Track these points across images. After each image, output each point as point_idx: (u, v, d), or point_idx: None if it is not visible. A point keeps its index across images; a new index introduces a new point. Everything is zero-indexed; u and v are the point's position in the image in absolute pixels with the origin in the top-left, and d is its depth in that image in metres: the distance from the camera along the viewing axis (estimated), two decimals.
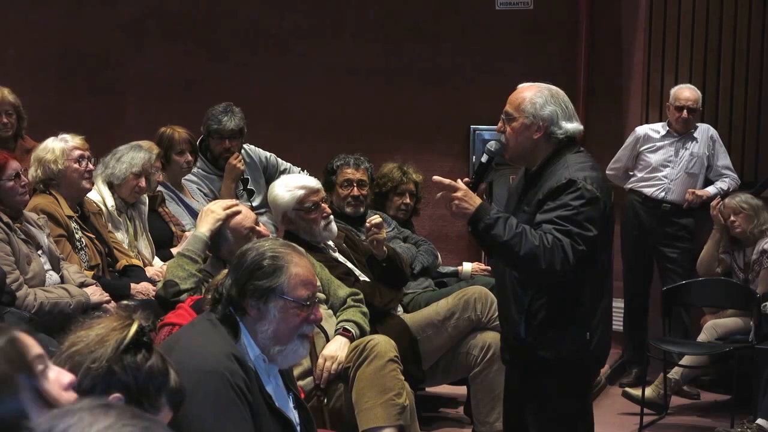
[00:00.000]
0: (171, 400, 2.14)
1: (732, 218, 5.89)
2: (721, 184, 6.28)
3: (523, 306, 3.42)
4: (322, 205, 4.52)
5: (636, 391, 5.71)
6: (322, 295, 4.06)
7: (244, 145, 5.83)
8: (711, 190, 6.26)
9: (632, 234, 6.35)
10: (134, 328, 2.14)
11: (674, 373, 5.80)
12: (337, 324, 4.12)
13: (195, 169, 5.67)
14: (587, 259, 3.25)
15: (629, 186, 6.41)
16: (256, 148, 5.95)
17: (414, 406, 4.09)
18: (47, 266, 4.28)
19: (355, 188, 5.27)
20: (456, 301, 4.78)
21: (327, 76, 7.12)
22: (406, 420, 3.93)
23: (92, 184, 4.80)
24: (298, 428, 2.80)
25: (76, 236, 4.59)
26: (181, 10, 7.29)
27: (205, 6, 7.31)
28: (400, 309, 4.88)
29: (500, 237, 3.22)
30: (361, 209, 5.26)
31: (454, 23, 7.06)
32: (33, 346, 1.75)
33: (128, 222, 5.04)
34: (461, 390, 5.31)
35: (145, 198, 5.17)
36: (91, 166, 4.72)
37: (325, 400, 3.95)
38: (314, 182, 4.63)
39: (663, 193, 6.29)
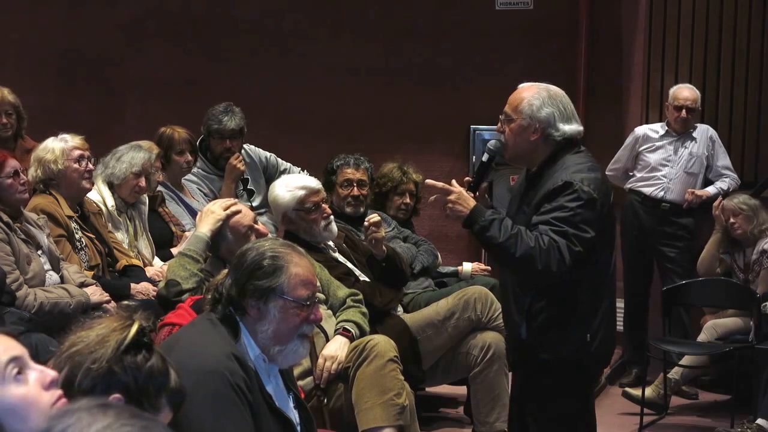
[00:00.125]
0: (171, 401, 2.14)
1: (732, 220, 5.90)
2: (721, 184, 6.28)
3: (523, 307, 3.42)
4: (323, 205, 4.52)
5: (636, 391, 5.71)
6: (321, 296, 4.06)
7: (244, 145, 5.83)
8: (711, 190, 6.27)
9: (632, 234, 6.35)
10: (134, 328, 2.14)
11: (674, 373, 5.80)
12: (337, 324, 4.12)
13: (195, 169, 5.67)
14: (585, 260, 3.25)
15: (629, 186, 6.41)
16: (256, 148, 5.95)
17: (414, 406, 4.09)
18: (47, 266, 4.28)
19: (355, 188, 5.27)
20: (456, 301, 4.79)
21: (327, 76, 7.12)
22: (406, 420, 3.93)
23: (92, 184, 4.80)
24: (299, 428, 2.80)
25: (76, 236, 4.59)
26: (181, 10, 7.29)
27: (205, 6, 7.31)
28: (400, 309, 4.88)
29: (495, 239, 3.22)
30: (361, 209, 5.26)
31: (454, 23, 7.06)
32: (4, 352, 1.73)
33: (128, 222, 5.04)
34: (461, 390, 5.31)
35: (145, 198, 5.17)
36: (91, 166, 4.72)
37: (325, 400, 3.95)
38: (315, 182, 4.63)
39: (662, 193, 6.29)
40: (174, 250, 5.11)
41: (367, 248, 4.74)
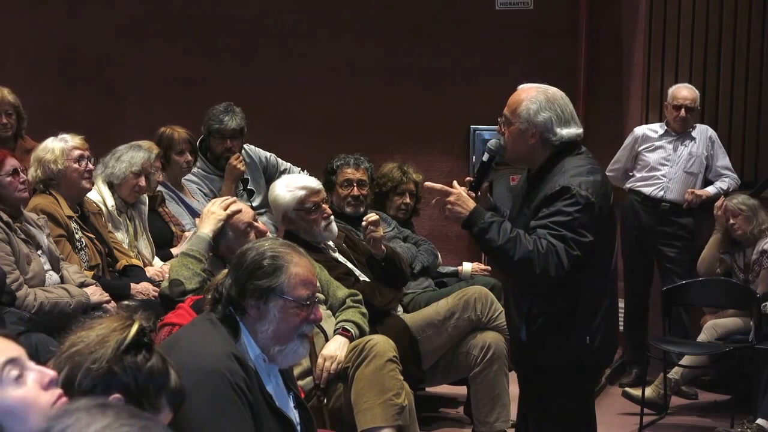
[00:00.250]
0: (171, 401, 2.14)
1: (731, 221, 5.90)
2: (721, 184, 6.28)
3: (523, 310, 3.43)
4: (323, 205, 4.52)
5: (636, 391, 5.71)
6: (321, 296, 4.06)
7: (244, 145, 5.84)
8: (711, 190, 6.27)
9: (632, 234, 6.35)
10: (135, 328, 2.14)
11: (674, 373, 5.80)
12: (336, 324, 4.12)
13: (195, 169, 5.67)
14: (584, 263, 3.25)
15: (628, 186, 6.41)
16: (256, 148, 5.95)
17: (413, 406, 4.09)
18: (47, 266, 4.28)
19: (355, 188, 5.27)
20: (456, 301, 4.79)
21: (327, 76, 7.12)
22: (405, 420, 3.93)
23: (92, 184, 4.80)
24: (299, 428, 2.80)
25: (76, 236, 4.59)
26: (181, 10, 7.29)
27: (205, 6, 7.31)
28: (400, 309, 4.88)
29: (494, 241, 3.22)
30: (361, 209, 5.26)
31: (454, 23, 7.06)
32: (1, 354, 1.73)
33: (128, 222, 5.04)
34: (461, 390, 5.31)
35: (145, 198, 5.17)
36: (90, 166, 4.72)
37: (325, 400, 3.95)
38: (315, 183, 4.63)
39: (662, 193, 6.30)
40: (174, 250, 5.11)
41: (367, 248, 4.74)
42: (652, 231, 6.31)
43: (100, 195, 4.98)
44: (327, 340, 4.04)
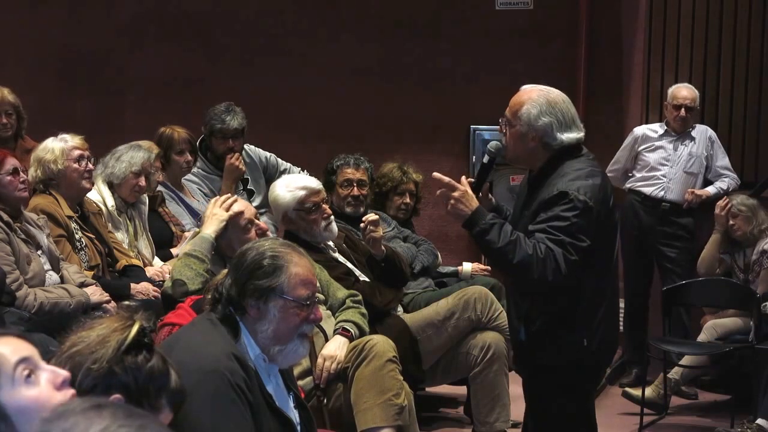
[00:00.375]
0: (171, 401, 2.14)
1: (731, 221, 5.90)
2: (721, 184, 6.28)
3: (521, 311, 3.43)
4: (323, 205, 4.52)
5: (636, 391, 5.71)
6: (321, 296, 4.06)
7: (245, 145, 5.83)
8: (711, 190, 6.27)
9: (632, 234, 6.34)
10: (135, 328, 2.14)
11: (674, 373, 5.80)
12: (336, 324, 4.12)
13: (195, 169, 5.67)
14: (583, 265, 3.24)
15: (628, 186, 6.41)
16: (256, 148, 5.95)
17: (413, 406, 4.09)
18: (47, 266, 4.28)
19: (355, 188, 5.27)
20: (456, 301, 4.79)
21: (327, 76, 7.12)
22: (405, 420, 3.93)
23: (92, 184, 4.80)
24: (299, 428, 2.80)
25: (76, 236, 4.59)
26: (181, 10, 7.29)
27: (204, 6, 7.31)
28: (400, 309, 4.88)
29: (494, 243, 3.22)
30: (361, 209, 5.25)
31: (454, 23, 7.06)
32: (13, 353, 1.73)
33: (128, 222, 5.04)
34: (461, 390, 5.31)
35: (145, 198, 5.17)
36: (90, 166, 4.72)
37: (325, 400, 3.95)
38: (315, 183, 4.63)
39: (662, 193, 6.30)
40: (174, 250, 5.11)
41: (367, 248, 4.74)
42: (652, 231, 6.31)
43: (100, 195, 4.98)
44: (327, 340, 4.04)
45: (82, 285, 4.28)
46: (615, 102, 6.92)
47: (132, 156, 5.01)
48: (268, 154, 5.97)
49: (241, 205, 3.96)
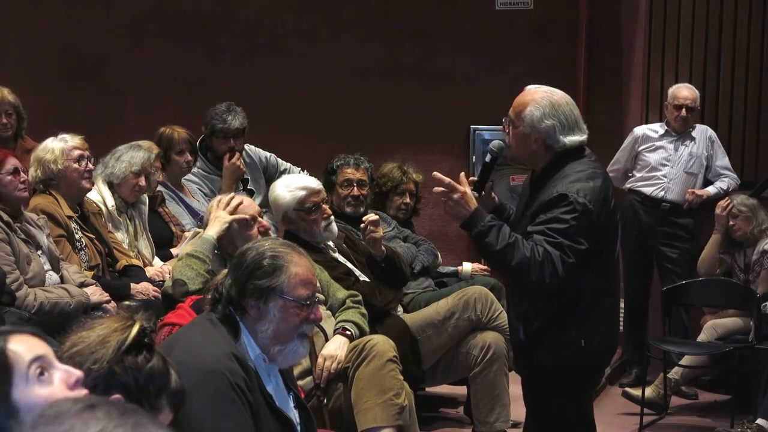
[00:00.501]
0: (171, 401, 2.14)
1: (731, 222, 5.90)
2: (721, 184, 6.28)
3: (520, 311, 3.44)
4: (323, 205, 4.52)
5: (636, 391, 5.71)
6: (321, 296, 4.06)
7: (245, 145, 5.83)
8: (711, 190, 6.27)
9: (632, 234, 6.34)
10: (136, 329, 2.14)
11: (674, 373, 5.80)
12: (336, 324, 4.12)
13: (195, 169, 5.66)
14: (582, 266, 3.24)
15: (629, 186, 6.41)
16: (256, 148, 5.95)
17: (413, 406, 4.09)
18: (47, 266, 4.28)
19: (355, 188, 5.27)
20: (456, 301, 4.79)
21: (327, 76, 7.12)
22: (405, 420, 3.93)
23: (92, 184, 4.80)
24: (299, 428, 2.80)
25: (76, 236, 4.59)
26: (181, 10, 7.29)
27: (204, 6, 7.31)
28: (400, 309, 4.88)
29: (493, 245, 3.22)
30: (361, 209, 5.25)
31: (454, 23, 7.06)
32: (27, 351, 1.72)
33: (128, 222, 5.04)
34: (461, 390, 5.31)
35: (145, 198, 5.17)
36: (90, 166, 4.72)
37: (325, 400, 3.95)
38: (315, 183, 4.63)
39: (662, 193, 6.30)
40: (174, 250, 5.11)
41: (367, 248, 4.74)
42: (652, 231, 6.31)
43: (100, 195, 4.98)
44: (327, 340, 4.04)
45: (82, 285, 4.28)
46: (615, 102, 6.91)
47: (132, 156, 5.01)
48: (268, 154, 5.97)
49: (245, 201, 3.97)
